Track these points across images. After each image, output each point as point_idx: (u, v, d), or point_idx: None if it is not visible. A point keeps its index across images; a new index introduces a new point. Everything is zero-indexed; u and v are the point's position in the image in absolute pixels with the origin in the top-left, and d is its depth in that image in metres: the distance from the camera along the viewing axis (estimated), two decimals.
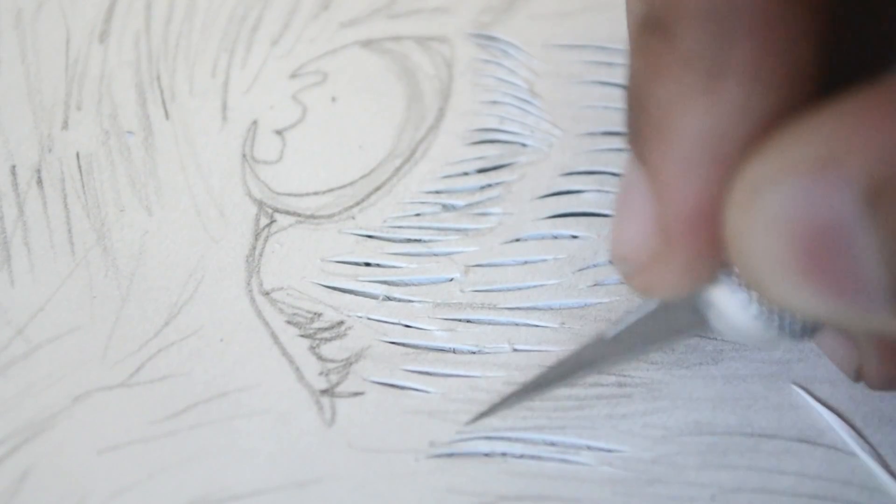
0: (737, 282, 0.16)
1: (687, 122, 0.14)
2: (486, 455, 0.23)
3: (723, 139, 0.14)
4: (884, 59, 0.16)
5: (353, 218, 0.26)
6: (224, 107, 0.28)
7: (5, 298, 0.25)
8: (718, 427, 0.23)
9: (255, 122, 0.28)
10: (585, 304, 0.25)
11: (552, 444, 0.23)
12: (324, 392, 0.23)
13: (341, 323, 0.24)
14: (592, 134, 0.27)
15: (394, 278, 0.25)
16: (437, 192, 0.26)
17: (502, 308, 0.25)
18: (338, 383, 0.23)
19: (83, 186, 0.26)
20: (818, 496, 0.22)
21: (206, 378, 0.23)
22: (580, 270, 0.25)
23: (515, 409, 0.23)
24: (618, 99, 0.28)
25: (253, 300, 0.25)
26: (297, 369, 0.24)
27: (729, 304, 0.16)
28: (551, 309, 0.25)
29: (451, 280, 0.25)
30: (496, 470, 0.22)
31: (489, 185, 0.26)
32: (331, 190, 0.26)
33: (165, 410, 0.23)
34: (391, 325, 0.24)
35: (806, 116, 0.13)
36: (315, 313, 0.24)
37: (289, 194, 0.26)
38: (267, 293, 0.25)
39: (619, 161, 0.27)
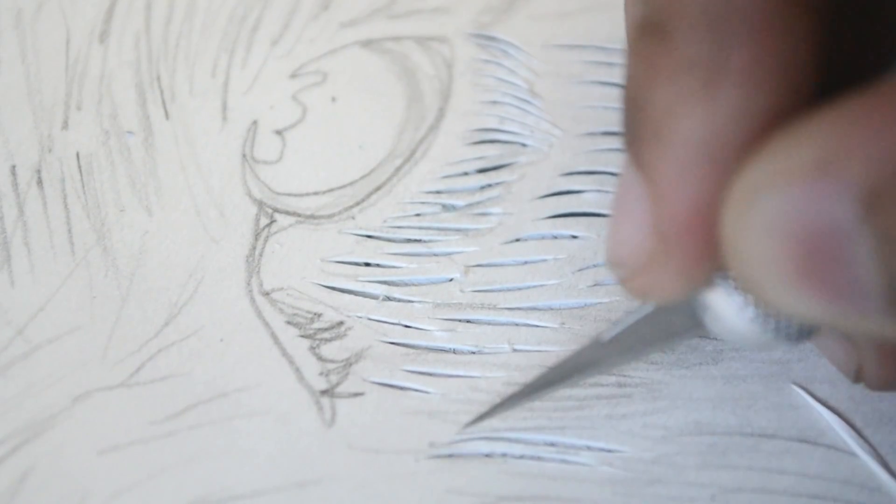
0: (733, 285, 0.16)
1: (684, 125, 0.14)
2: (486, 456, 0.23)
3: (720, 142, 0.14)
4: (882, 62, 0.16)
5: (353, 218, 0.26)
6: (224, 107, 0.28)
7: (5, 298, 0.25)
8: (718, 427, 0.23)
9: (255, 123, 0.28)
10: (585, 305, 0.25)
11: (552, 444, 0.23)
12: (324, 392, 0.23)
13: (341, 323, 0.24)
14: (592, 134, 0.27)
15: (394, 278, 0.25)
16: (437, 193, 0.26)
17: (502, 308, 0.25)
18: (338, 384, 0.23)
19: (83, 186, 0.26)
20: (818, 496, 0.22)
21: (206, 378, 0.23)
22: (580, 270, 0.25)
23: (515, 411, 0.23)
24: (617, 99, 0.28)
25: (253, 300, 0.25)
26: (297, 370, 0.24)
27: (725, 307, 0.16)
28: (551, 309, 0.25)
29: (451, 280, 0.25)
30: (496, 470, 0.22)
31: (489, 186, 0.26)
32: (331, 190, 0.26)
33: (165, 411, 0.23)
34: (391, 326, 0.24)
35: (803, 120, 0.13)
36: (315, 313, 0.24)
37: (289, 194, 0.26)
38: (267, 293, 0.25)
39: (619, 161, 0.27)
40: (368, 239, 0.26)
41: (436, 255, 0.25)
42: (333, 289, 0.25)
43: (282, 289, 0.25)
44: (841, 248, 0.13)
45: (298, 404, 0.23)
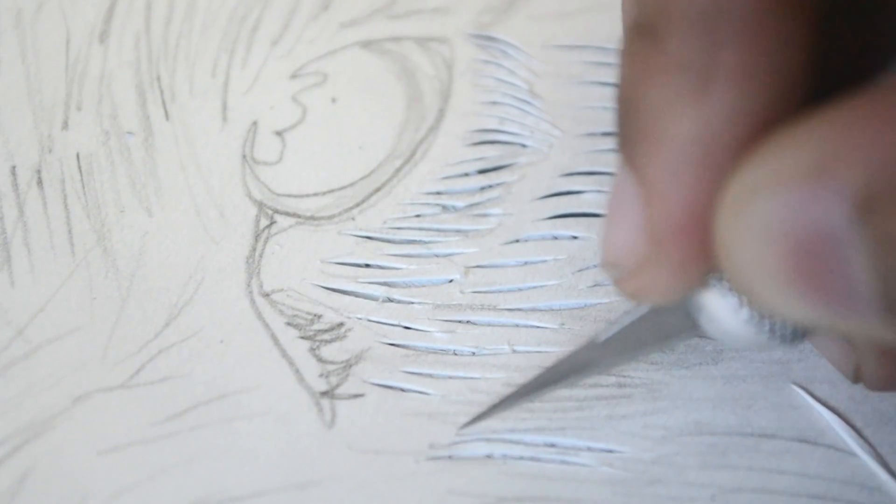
0: (728, 286, 0.16)
1: (676, 126, 0.14)
2: (487, 457, 0.23)
3: (712, 144, 0.14)
4: (877, 62, 0.16)
5: (353, 219, 0.26)
6: (224, 107, 0.28)
7: (5, 299, 0.25)
8: (718, 427, 0.23)
9: (255, 123, 0.28)
10: (585, 305, 0.25)
11: (552, 445, 0.23)
12: (324, 394, 0.23)
13: (341, 325, 0.24)
14: (592, 134, 0.27)
15: (394, 280, 0.25)
16: (437, 193, 0.26)
17: (502, 309, 0.25)
18: (338, 385, 0.23)
19: (83, 187, 0.27)
20: (818, 496, 0.22)
21: (206, 379, 0.23)
22: (580, 271, 0.25)
23: (514, 411, 0.23)
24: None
25: (253, 301, 0.25)
26: (297, 371, 0.24)
27: (720, 308, 0.16)
28: (551, 310, 0.25)
29: (451, 281, 0.25)
30: (496, 471, 0.22)
31: (489, 186, 0.26)
32: (331, 191, 0.26)
33: (166, 412, 0.23)
34: (391, 327, 0.24)
35: (797, 124, 0.13)
36: (315, 315, 0.24)
37: (289, 195, 0.26)
38: (267, 294, 0.25)
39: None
40: (368, 240, 0.26)
41: (436, 256, 0.25)
42: (333, 290, 0.25)
43: (282, 290, 0.25)
44: (834, 252, 0.13)
45: (298, 405, 0.23)
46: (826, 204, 0.13)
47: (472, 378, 0.24)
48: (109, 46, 0.29)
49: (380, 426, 0.23)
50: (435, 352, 0.24)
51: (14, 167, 0.27)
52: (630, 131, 0.15)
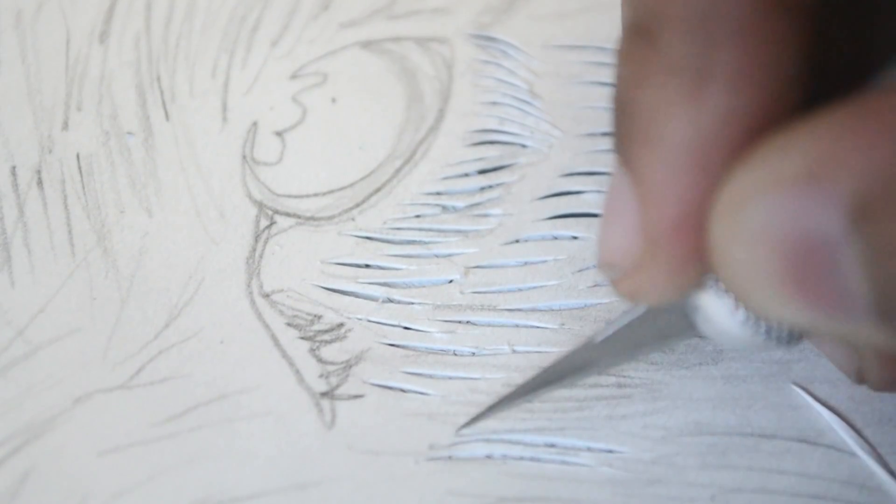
0: (723, 287, 0.16)
1: (671, 128, 0.14)
2: (487, 457, 0.23)
3: (707, 145, 0.14)
4: (873, 65, 0.16)
5: (353, 219, 0.26)
6: (224, 108, 0.28)
7: (6, 300, 0.25)
8: (718, 427, 0.23)
9: (255, 124, 0.28)
10: (585, 305, 0.25)
11: (552, 445, 0.23)
12: (324, 394, 0.23)
13: (341, 325, 0.24)
14: (592, 135, 0.27)
15: (394, 280, 0.25)
16: (437, 194, 0.26)
17: (502, 309, 0.25)
18: (338, 386, 0.23)
19: (83, 187, 0.27)
20: (818, 496, 0.22)
21: (206, 380, 0.24)
22: (580, 271, 0.25)
23: (514, 412, 0.23)
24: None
25: (253, 302, 0.25)
26: (298, 371, 0.24)
27: (716, 309, 0.16)
28: (551, 310, 0.25)
29: (451, 282, 0.25)
30: (496, 472, 0.22)
31: (489, 187, 0.26)
32: (331, 191, 0.26)
33: (166, 412, 0.23)
34: (391, 328, 0.24)
35: (792, 127, 0.13)
36: (315, 315, 0.24)
37: (289, 196, 0.26)
38: (267, 295, 0.25)
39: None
40: (368, 240, 0.26)
41: (436, 256, 0.25)
42: (333, 291, 0.25)
43: (282, 290, 0.25)
44: (828, 257, 0.13)
45: (298, 406, 0.23)
46: (820, 209, 0.13)
47: (471, 378, 0.24)
48: (109, 47, 0.29)
49: (380, 427, 0.23)
50: (435, 352, 0.24)
51: (14, 167, 0.27)
52: (626, 132, 0.15)
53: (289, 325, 0.24)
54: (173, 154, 0.27)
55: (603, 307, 0.25)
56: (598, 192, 0.26)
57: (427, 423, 0.23)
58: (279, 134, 0.27)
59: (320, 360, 0.24)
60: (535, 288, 0.25)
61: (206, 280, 0.25)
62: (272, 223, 0.26)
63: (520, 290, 0.25)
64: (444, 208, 0.26)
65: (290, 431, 0.23)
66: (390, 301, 0.25)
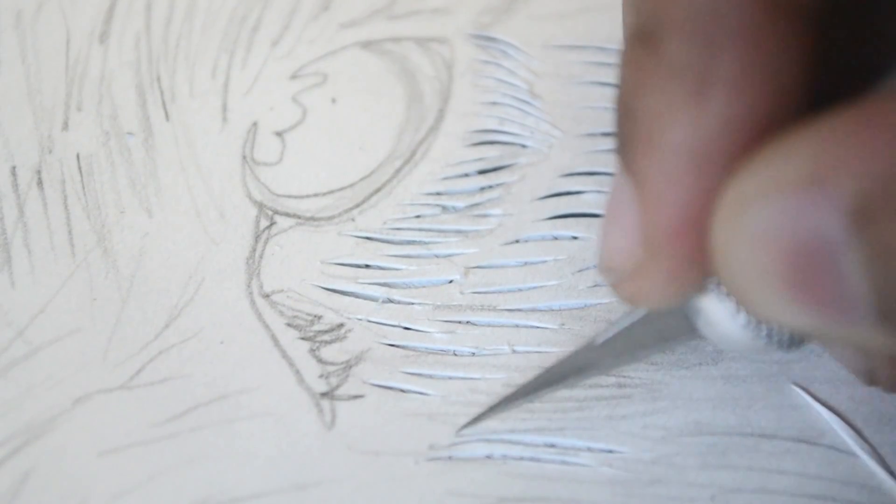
0: (725, 290, 0.16)
1: (673, 132, 0.14)
2: (487, 457, 0.23)
3: (709, 150, 0.14)
4: (876, 68, 0.16)
5: (353, 220, 0.26)
6: (224, 108, 0.28)
7: (6, 300, 0.25)
8: (718, 427, 0.23)
9: (255, 124, 0.28)
10: (585, 305, 0.25)
11: (552, 445, 0.23)
12: (324, 395, 0.23)
13: (341, 325, 0.24)
14: (592, 135, 0.27)
15: (394, 280, 0.25)
16: (437, 194, 0.26)
17: (502, 310, 0.25)
18: (338, 386, 0.23)
19: (83, 188, 0.27)
20: (818, 496, 0.22)
21: (206, 380, 0.24)
22: (580, 271, 0.25)
23: (514, 412, 0.23)
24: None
25: (253, 302, 0.25)
26: (297, 372, 0.24)
27: (717, 312, 0.16)
28: (551, 310, 0.25)
29: (451, 282, 0.25)
30: (496, 472, 0.22)
31: (489, 187, 0.26)
32: (331, 192, 0.26)
33: (166, 413, 0.23)
34: (391, 328, 0.24)
35: (795, 131, 0.13)
36: (315, 316, 0.24)
37: (289, 196, 0.26)
38: (267, 295, 0.25)
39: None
40: (368, 241, 0.26)
41: (436, 256, 0.25)
42: (333, 291, 0.25)
43: (282, 291, 0.25)
44: (829, 261, 0.13)
45: (298, 406, 0.23)
46: (822, 212, 0.13)
47: (471, 378, 0.24)
48: (109, 47, 0.29)
49: (380, 427, 0.23)
50: (435, 352, 0.24)
51: (14, 168, 0.27)
52: (628, 136, 0.15)
53: (289, 325, 0.24)
54: (173, 154, 0.27)
55: (603, 307, 0.25)
56: (598, 192, 0.26)
57: (427, 423, 0.23)
58: (279, 134, 0.27)
59: (320, 361, 0.24)
60: (535, 288, 0.25)
61: (206, 280, 0.25)
62: (272, 223, 0.26)
63: (520, 290, 0.25)
64: (444, 208, 0.26)
65: (290, 432, 0.23)
66: (390, 301, 0.25)
